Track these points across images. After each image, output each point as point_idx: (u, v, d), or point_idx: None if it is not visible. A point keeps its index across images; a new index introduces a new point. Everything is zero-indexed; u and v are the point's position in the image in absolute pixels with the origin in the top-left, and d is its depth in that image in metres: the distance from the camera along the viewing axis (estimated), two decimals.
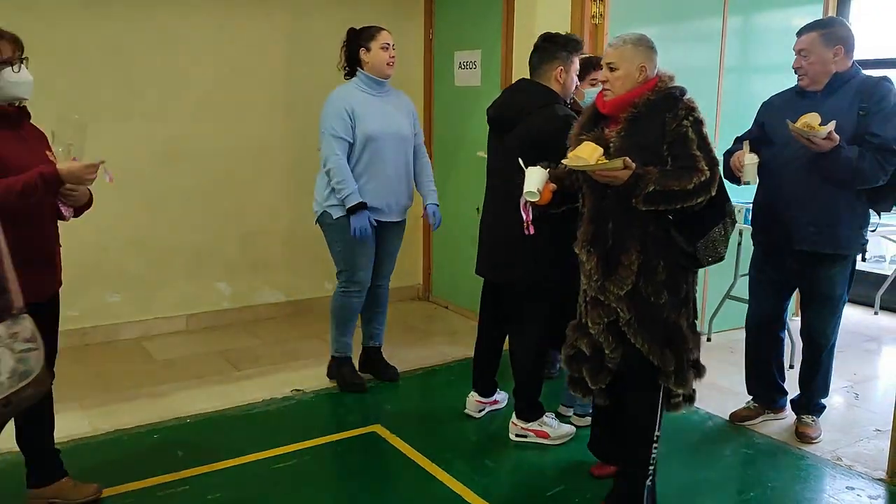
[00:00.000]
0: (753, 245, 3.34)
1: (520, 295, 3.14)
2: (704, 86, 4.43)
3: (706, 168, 2.34)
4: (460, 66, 4.89)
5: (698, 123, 2.39)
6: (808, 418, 3.27)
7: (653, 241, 2.42)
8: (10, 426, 3.17)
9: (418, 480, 2.93)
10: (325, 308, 5.06)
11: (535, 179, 2.54)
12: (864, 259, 3.07)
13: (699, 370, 2.55)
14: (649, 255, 2.42)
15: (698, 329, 2.56)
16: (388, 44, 3.53)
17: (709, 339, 4.57)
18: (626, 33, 2.53)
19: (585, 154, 2.37)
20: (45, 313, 2.32)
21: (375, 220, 3.52)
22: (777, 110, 3.08)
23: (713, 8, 4.43)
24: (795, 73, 3.03)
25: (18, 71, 2.28)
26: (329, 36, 4.90)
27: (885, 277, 5.21)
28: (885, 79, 2.92)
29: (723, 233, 2.47)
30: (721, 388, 3.78)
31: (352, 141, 3.48)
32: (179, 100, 4.51)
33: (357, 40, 3.56)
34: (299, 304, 5.05)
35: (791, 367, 4.10)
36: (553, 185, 2.56)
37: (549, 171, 2.56)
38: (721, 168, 2.54)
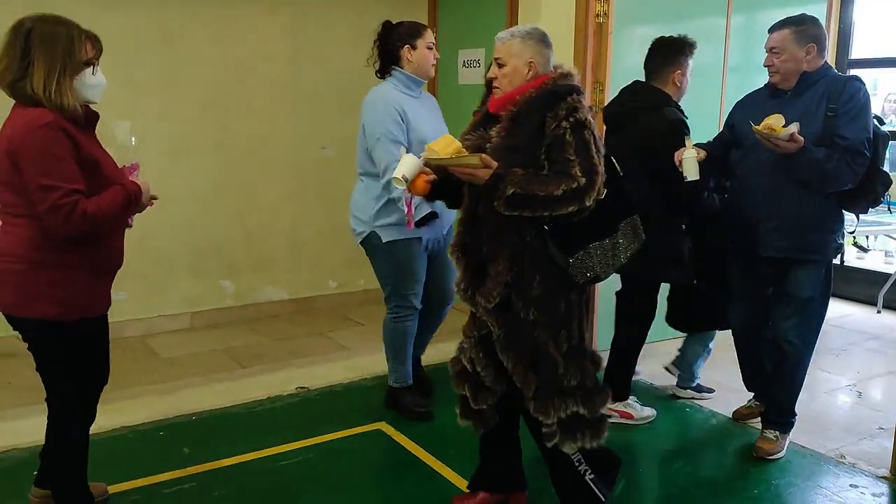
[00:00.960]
0: (727, 249, 3.20)
1: (637, 288, 3.35)
2: (708, 85, 4.43)
3: (580, 175, 2.13)
4: (464, 65, 4.90)
5: (580, 125, 2.18)
6: (769, 433, 3.11)
7: (530, 253, 2.23)
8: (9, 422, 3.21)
9: (423, 477, 2.94)
10: (329, 305, 5.14)
11: (403, 166, 2.29)
12: (841, 262, 3.02)
13: (579, 400, 2.28)
14: (524, 268, 2.24)
15: (592, 351, 2.38)
16: (433, 43, 3.26)
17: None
18: (517, 27, 2.40)
19: (439, 147, 2.21)
20: (107, 323, 2.50)
21: (427, 235, 3.27)
22: (746, 111, 2.99)
23: (717, 7, 4.43)
24: (769, 72, 2.95)
25: (95, 73, 2.27)
26: (334, 34, 4.93)
27: (888, 276, 5.21)
28: (854, 78, 2.87)
29: (609, 251, 2.27)
30: (723, 385, 3.79)
31: (407, 146, 3.09)
32: (183, 98, 4.51)
33: (398, 35, 3.22)
34: (303, 302, 5.06)
35: None
36: (432, 176, 2.33)
37: (423, 160, 2.31)
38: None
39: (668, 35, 3.31)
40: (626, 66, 4.13)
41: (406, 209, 2.67)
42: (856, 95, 2.76)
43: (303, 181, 4.96)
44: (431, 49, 3.24)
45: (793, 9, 4.74)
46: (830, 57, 5.23)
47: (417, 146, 3.10)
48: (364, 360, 4.03)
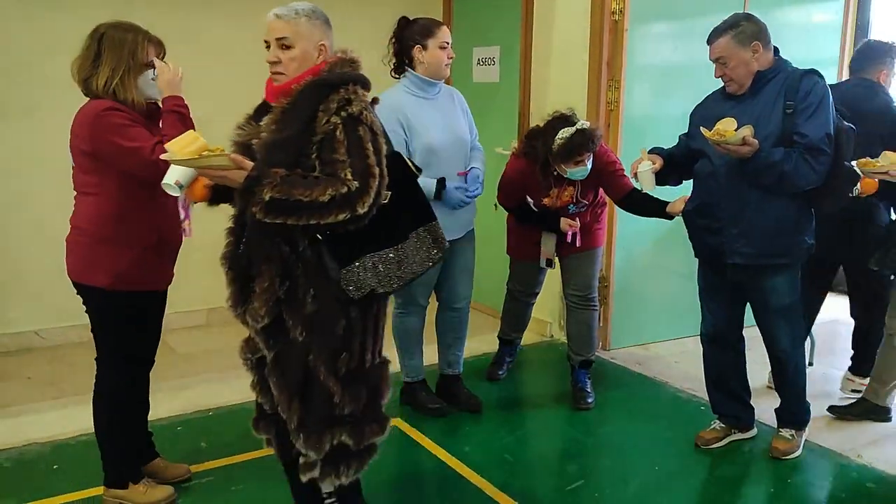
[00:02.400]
0: (695, 254, 3.07)
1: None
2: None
3: (352, 178, 1.89)
4: (479, 63, 4.90)
5: (353, 121, 1.93)
6: (785, 431, 3.07)
7: (303, 265, 2.00)
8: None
9: (437, 473, 2.96)
10: None
11: (176, 171, 2.09)
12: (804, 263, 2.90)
13: (347, 430, 2.07)
14: (296, 282, 2.00)
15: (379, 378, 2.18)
16: (447, 42, 3.13)
17: None
18: (296, 3, 2.13)
19: (177, 147, 1.95)
20: (165, 300, 2.76)
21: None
22: (704, 114, 2.89)
23: (734, 3, 4.40)
24: (722, 80, 2.85)
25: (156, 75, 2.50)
26: (347, 33, 4.87)
27: None
28: (812, 72, 2.73)
29: (393, 263, 2.04)
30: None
31: (408, 155, 2.98)
32: (202, 95, 4.51)
33: (410, 34, 3.13)
34: None
35: (811, 363, 4.11)
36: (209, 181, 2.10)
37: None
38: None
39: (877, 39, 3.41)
40: (641, 63, 4.13)
41: (183, 215, 2.63)
42: (813, 90, 2.65)
43: None
44: (445, 48, 3.13)
45: (809, 6, 4.75)
46: (849, 53, 5.19)
47: (423, 153, 3.08)
48: None
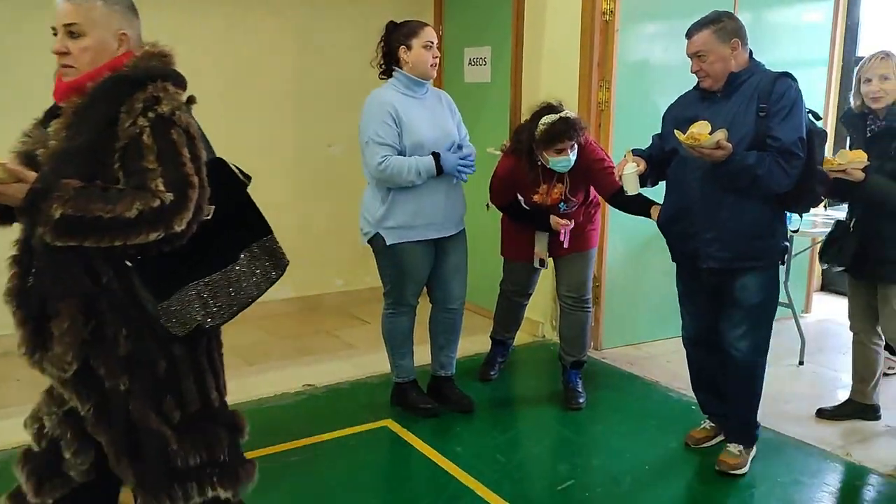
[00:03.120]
0: (672, 258, 3.04)
1: None
2: None
3: (164, 190, 1.61)
4: (470, 63, 4.91)
5: (165, 123, 1.66)
6: (733, 447, 2.95)
7: (109, 299, 1.70)
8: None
9: (429, 474, 2.95)
10: (336, 303, 5.16)
11: None
12: (782, 262, 2.86)
13: (214, 481, 1.82)
14: (103, 321, 1.70)
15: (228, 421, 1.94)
16: (432, 42, 3.18)
17: None
18: None
19: None
20: None
21: (434, 237, 3.26)
22: (677, 116, 2.85)
23: (724, 4, 4.41)
24: (698, 76, 2.79)
25: None
26: (340, 33, 4.95)
27: None
28: (785, 75, 2.68)
29: (223, 287, 1.76)
30: None
31: (399, 150, 3.11)
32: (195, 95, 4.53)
33: (396, 36, 3.20)
34: (309, 300, 5.08)
35: (801, 362, 4.13)
36: None
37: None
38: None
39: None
40: (632, 63, 4.14)
41: None
42: (786, 93, 2.61)
43: (309, 179, 4.98)
44: (429, 48, 3.17)
45: (799, 6, 4.77)
46: (838, 54, 5.22)
47: (413, 150, 3.12)
48: (370, 358, 4.04)
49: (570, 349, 3.67)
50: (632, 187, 2.79)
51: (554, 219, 3.48)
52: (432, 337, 3.52)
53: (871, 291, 3.22)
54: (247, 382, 3.80)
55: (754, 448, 2.99)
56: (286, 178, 4.91)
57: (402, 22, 3.27)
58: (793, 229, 2.81)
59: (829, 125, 5.26)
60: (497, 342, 4.02)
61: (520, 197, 3.52)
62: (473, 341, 4.34)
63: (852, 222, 3.14)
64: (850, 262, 3.17)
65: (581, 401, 3.55)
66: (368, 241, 3.32)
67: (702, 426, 3.18)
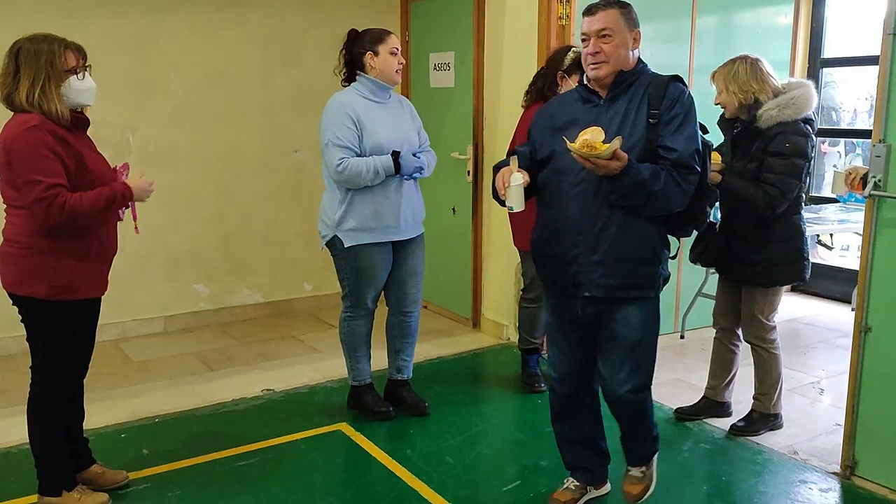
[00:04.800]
0: (543, 286, 2.68)
1: None
2: None
3: None
4: (435, 68, 4.94)
5: None
6: (635, 470, 2.67)
7: None
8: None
9: (376, 477, 2.98)
10: (304, 308, 5.18)
11: None
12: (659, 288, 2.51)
13: None
14: None
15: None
16: (397, 49, 3.25)
17: (682, 337, 4.60)
18: None
19: None
20: (98, 307, 2.72)
21: (391, 240, 3.30)
22: (553, 122, 2.47)
23: (682, 8, 4.46)
24: (589, 63, 2.35)
25: (83, 79, 2.50)
26: (304, 39, 4.98)
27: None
28: (677, 78, 2.38)
29: None
30: (687, 384, 3.83)
31: (359, 152, 3.15)
32: (154, 104, 4.56)
33: (361, 43, 3.24)
34: (278, 305, 5.10)
35: None
36: None
37: None
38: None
39: None
40: None
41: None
42: (680, 99, 2.32)
43: (277, 185, 5.01)
44: (395, 54, 3.23)
45: (759, 10, 4.81)
46: (802, 56, 5.26)
47: (373, 152, 3.17)
48: (333, 363, 4.06)
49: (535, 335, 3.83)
50: (517, 202, 2.34)
51: None
52: (389, 341, 3.54)
53: (737, 292, 3.26)
54: (207, 387, 3.83)
55: (655, 457, 2.72)
56: (253, 183, 4.93)
57: (364, 30, 3.32)
58: (671, 255, 2.49)
59: None
60: (529, 350, 3.90)
61: None
62: (437, 345, 4.37)
63: (718, 222, 3.20)
64: (715, 262, 3.23)
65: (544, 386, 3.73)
66: (326, 245, 3.35)
67: (564, 486, 2.76)
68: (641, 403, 2.54)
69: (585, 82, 2.43)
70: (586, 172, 2.28)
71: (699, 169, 2.34)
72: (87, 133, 2.63)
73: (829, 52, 5.36)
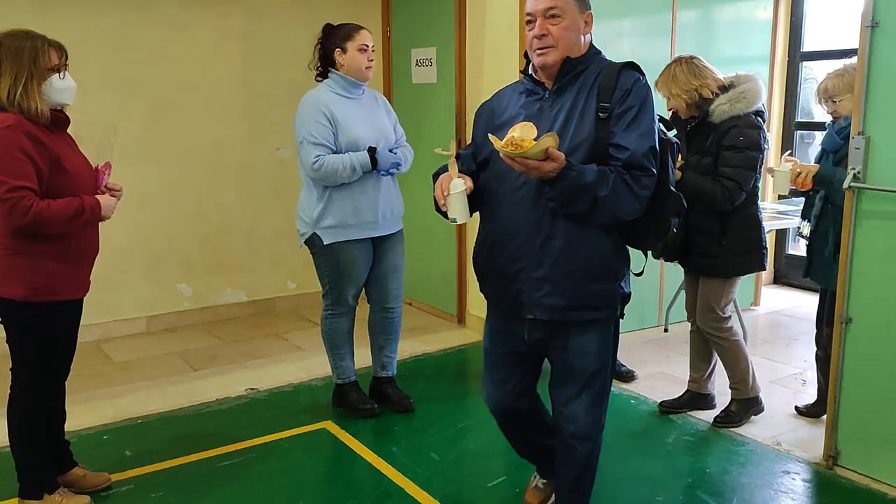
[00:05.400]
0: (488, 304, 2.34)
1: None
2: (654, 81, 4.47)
3: None
4: (417, 64, 4.92)
5: None
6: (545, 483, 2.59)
7: None
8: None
9: (361, 475, 2.97)
10: (288, 306, 5.16)
11: None
12: (622, 315, 2.20)
13: None
14: None
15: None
16: (367, 45, 3.22)
17: (666, 330, 4.62)
18: None
19: None
20: (80, 308, 2.67)
21: (371, 236, 3.29)
22: (494, 118, 2.18)
23: (662, 3, 4.47)
24: (535, 49, 2.07)
25: (64, 78, 2.47)
26: (285, 35, 4.94)
27: None
28: (631, 65, 2.09)
29: None
30: (670, 377, 3.85)
31: (335, 149, 3.14)
32: (134, 102, 4.52)
33: (332, 39, 3.24)
34: (261, 304, 5.07)
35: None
36: None
37: None
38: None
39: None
40: None
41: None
42: (634, 89, 2.02)
43: (259, 182, 4.97)
44: (364, 51, 3.22)
45: (740, 3, 4.83)
46: (782, 51, 5.29)
47: (348, 148, 3.17)
48: (316, 361, 4.04)
49: None
50: (460, 213, 2.06)
51: None
52: (372, 338, 3.53)
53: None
54: (190, 387, 3.81)
55: None
56: (235, 181, 4.90)
57: (338, 25, 3.30)
58: (636, 272, 2.24)
59: (774, 124, 5.33)
60: None
61: None
62: (422, 341, 4.36)
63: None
64: (677, 256, 3.27)
65: (634, 371, 3.83)
66: (305, 242, 3.34)
67: (534, 486, 2.66)
68: (589, 446, 2.24)
69: (531, 72, 2.14)
70: (528, 177, 1.98)
71: (654, 170, 2.02)
72: (69, 132, 2.59)
73: (808, 45, 5.40)
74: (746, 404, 3.33)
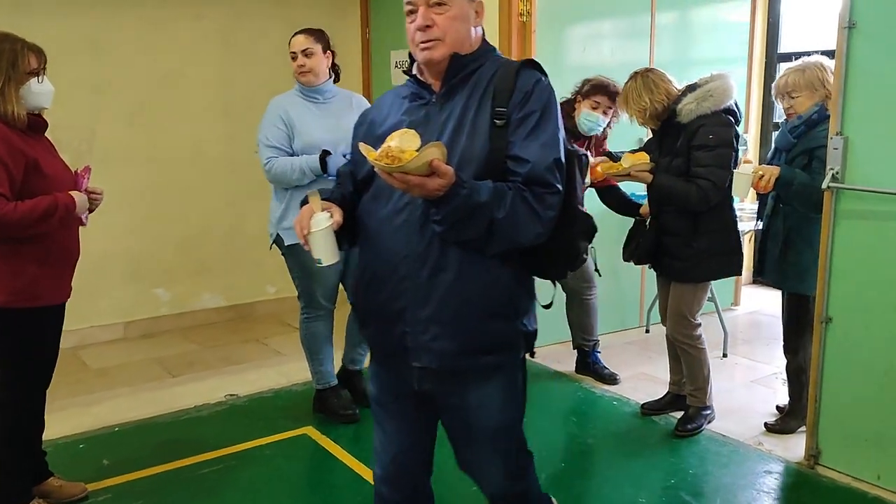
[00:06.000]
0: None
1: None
2: None
3: None
4: (396, 66, 4.90)
5: None
6: None
7: None
8: None
9: (343, 481, 2.94)
10: (268, 311, 5.11)
11: None
12: (532, 355, 1.89)
13: None
14: None
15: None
16: (294, 52, 3.23)
17: (647, 331, 4.63)
18: None
19: None
20: (62, 314, 2.63)
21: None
22: (374, 129, 1.81)
23: (641, 4, 4.48)
24: (418, 43, 1.73)
25: (42, 82, 2.46)
26: (264, 36, 4.90)
27: None
28: (530, 63, 1.77)
29: None
30: (652, 378, 3.86)
31: (290, 151, 3.20)
32: (111, 105, 4.46)
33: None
34: (240, 309, 5.02)
35: (724, 355, 4.20)
36: None
37: None
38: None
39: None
40: (551, 64, 4.13)
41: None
42: (535, 92, 1.69)
43: (238, 186, 4.92)
44: (294, 58, 3.25)
45: (717, 4, 4.86)
46: (760, 52, 5.32)
47: (304, 151, 3.20)
48: (297, 366, 3.98)
49: (590, 335, 3.89)
50: (325, 253, 1.70)
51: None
52: (347, 334, 3.54)
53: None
54: (168, 394, 3.76)
55: None
56: (213, 185, 4.85)
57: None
58: (544, 304, 1.93)
59: (752, 125, 5.37)
60: (583, 352, 3.97)
61: None
62: None
63: (648, 219, 3.20)
64: (648, 259, 3.23)
65: (616, 374, 3.84)
66: (274, 243, 3.36)
67: None
68: (525, 494, 1.95)
69: (415, 72, 1.81)
70: (409, 197, 1.66)
71: (559, 186, 1.68)
72: (46, 135, 2.57)
73: (785, 47, 5.44)
74: (702, 411, 3.29)
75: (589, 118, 3.52)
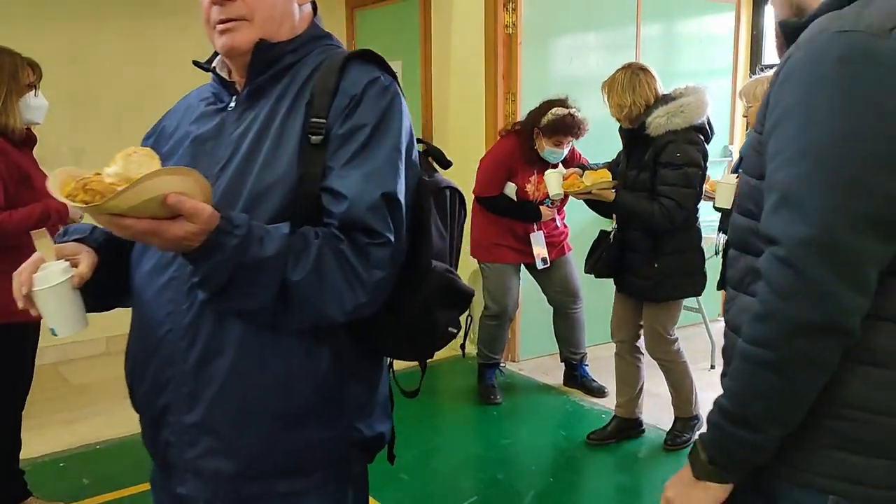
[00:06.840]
0: None
1: None
2: None
3: None
4: None
5: None
6: None
7: None
8: None
9: None
10: None
11: None
12: (391, 461, 1.49)
13: None
14: None
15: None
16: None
17: None
18: None
19: None
20: (38, 330, 2.56)
21: None
22: (159, 145, 1.36)
23: (625, 17, 4.50)
24: (213, 26, 1.25)
25: (37, 96, 2.49)
26: None
27: None
28: (365, 56, 1.25)
29: None
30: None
31: None
32: (94, 116, 4.41)
33: None
34: None
35: (712, 366, 4.20)
36: None
37: None
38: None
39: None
40: (537, 76, 4.17)
41: None
42: (369, 98, 1.19)
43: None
44: None
45: (702, 17, 4.88)
46: (744, 63, 5.35)
47: None
48: None
49: (577, 348, 3.86)
50: (59, 319, 1.24)
51: (544, 209, 3.58)
52: None
53: (634, 304, 3.19)
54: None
55: None
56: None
57: None
58: (409, 389, 1.51)
59: (738, 136, 5.38)
60: (488, 365, 3.84)
61: (511, 185, 3.57)
62: None
63: (612, 232, 3.12)
64: (608, 273, 3.15)
65: (605, 387, 3.78)
66: None
67: None
68: None
69: (217, 66, 1.33)
70: (169, 253, 1.18)
71: (389, 236, 1.14)
72: (33, 153, 2.58)
73: (769, 58, 5.47)
74: (690, 422, 3.24)
75: (554, 154, 3.47)
